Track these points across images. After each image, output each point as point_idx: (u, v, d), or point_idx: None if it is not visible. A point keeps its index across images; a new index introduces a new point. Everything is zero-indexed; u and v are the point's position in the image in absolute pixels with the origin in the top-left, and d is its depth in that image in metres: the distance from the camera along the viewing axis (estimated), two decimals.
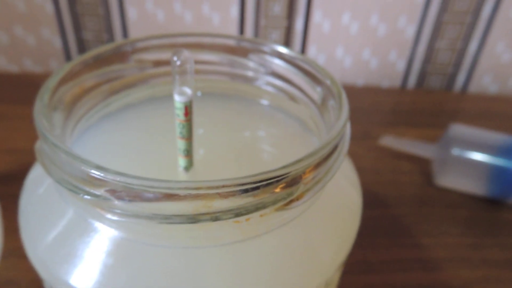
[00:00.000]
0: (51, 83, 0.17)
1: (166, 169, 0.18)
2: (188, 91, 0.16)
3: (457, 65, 0.49)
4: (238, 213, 0.14)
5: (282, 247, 0.15)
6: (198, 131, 0.20)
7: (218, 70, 0.22)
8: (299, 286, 0.15)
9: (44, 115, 0.15)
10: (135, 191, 0.13)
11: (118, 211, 0.13)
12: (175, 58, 0.15)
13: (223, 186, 0.13)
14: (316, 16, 0.46)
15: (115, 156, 0.19)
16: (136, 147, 0.20)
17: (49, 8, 0.44)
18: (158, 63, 0.21)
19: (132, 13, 0.45)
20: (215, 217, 0.13)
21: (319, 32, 0.47)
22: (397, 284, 0.26)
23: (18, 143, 0.35)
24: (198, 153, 0.19)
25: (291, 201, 0.14)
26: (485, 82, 0.50)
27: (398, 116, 0.44)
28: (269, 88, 0.22)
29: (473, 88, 0.51)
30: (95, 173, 0.13)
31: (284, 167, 0.14)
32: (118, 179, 0.13)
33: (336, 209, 0.18)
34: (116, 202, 0.13)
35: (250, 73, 0.22)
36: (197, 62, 0.22)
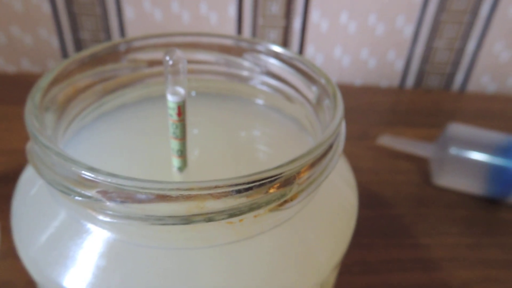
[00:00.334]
0: (42, 83, 0.17)
1: (161, 170, 0.18)
2: (181, 91, 0.16)
3: (455, 64, 0.49)
4: (232, 213, 0.13)
5: (277, 248, 0.15)
6: (193, 131, 0.20)
7: (213, 70, 0.22)
8: (294, 287, 0.15)
9: (35, 115, 0.15)
10: (127, 192, 0.13)
11: (110, 212, 0.13)
12: (167, 58, 0.15)
13: (216, 187, 0.13)
14: (314, 15, 0.46)
15: (109, 156, 0.19)
16: (130, 147, 0.20)
17: (46, 7, 0.44)
18: (152, 63, 0.21)
19: (129, 12, 0.45)
20: (208, 218, 0.13)
21: (317, 31, 0.47)
22: (395, 284, 0.26)
23: (14, 143, 0.35)
24: (193, 153, 0.19)
25: (285, 202, 0.14)
26: (483, 81, 0.50)
27: (396, 115, 0.44)
28: (264, 88, 0.22)
29: (471, 87, 0.51)
30: (86, 174, 0.13)
31: (277, 167, 0.14)
32: (109, 180, 0.13)
33: (331, 210, 0.18)
34: (108, 203, 0.13)
35: (245, 73, 0.22)
36: (191, 61, 0.22)
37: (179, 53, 0.15)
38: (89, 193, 0.13)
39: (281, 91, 0.21)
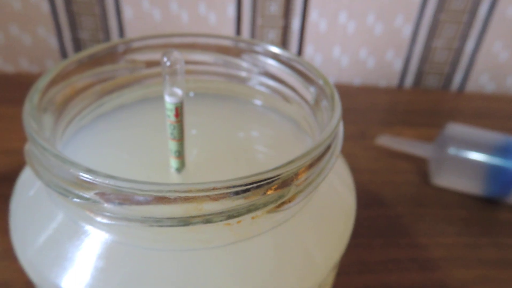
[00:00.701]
0: (40, 84, 0.17)
1: (159, 170, 0.18)
2: (179, 92, 0.16)
3: (454, 64, 0.49)
4: (230, 215, 0.13)
5: (275, 249, 0.15)
6: (191, 132, 0.20)
7: (211, 70, 0.22)
8: None
9: (33, 117, 0.15)
10: (124, 194, 0.13)
11: (108, 214, 0.13)
12: (165, 59, 0.15)
13: (214, 189, 0.13)
14: (313, 15, 0.46)
15: (108, 157, 0.19)
16: (128, 148, 0.20)
17: (45, 7, 0.44)
18: (151, 64, 0.21)
19: (128, 12, 0.45)
20: (206, 219, 0.13)
21: (316, 31, 0.47)
22: (393, 284, 0.26)
23: (13, 143, 0.35)
24: (191, 153, 0.19)
25: (283, 203, 0.14)
26: (482, 81, 0.50)
27: (395, 115, 0.44)
28: (263, 89, 0.22)
29: (470, 87, 0.51)
30: (84, 176, 0.13)
31: (275, 168, 0.14)
32: (107, 182, 0.13)
33: (329, 211, 0.18)
34: (106, 205, 0.13)
35: (243, 74, 0.22)
36: (190, 62, 0.22)
37: (176, 54, 0.15)
38: (87, 195, 0.13)
39: (279, 92, 0.21)
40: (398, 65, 0.49)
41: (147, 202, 0.13)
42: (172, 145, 0.17)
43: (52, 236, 0.15)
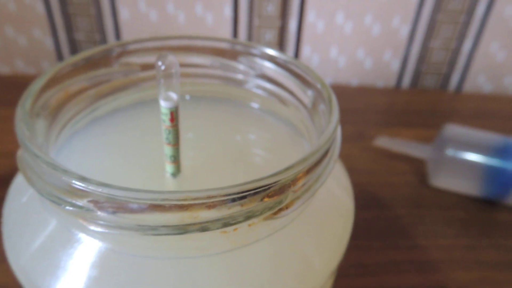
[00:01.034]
0: (33, 88, 0.16)
1: (154, 175, 0.18)
2: (174, 96, 0.16)
3: (452, 64, 0.49)
4: (226, 223, 0.13)
5: (272, 256, 0.15)
6: (188, 135, 0.20)
7: (208, 73, 0.22)
8: None
9: (25, 122, 0.15)
10: (118, 202, 0.13)
11: (102, 222, 0.13)
12: (159, 63, 0.15)
13: (209, 197, 0.12)
14: (310, 16, 0.45)
15: (102, 162, 0.19)
16: (124, 152, 0.19)
17: (40, 8, 0.44)
18: (146, 67, 0.21)
19: (124, 13, 0.45)
20: (202, 227, 0.13)
21: (313, 32, 0.46)
22: (392, 286, 0.26)
23: (9, 146, 0.35)
24: (188, 157, 0.19)
25: (280, 210, 0.14)
26: (480, 81, 0.50)
27: (393, 116, 0.44)
28: (259, 91, 0.22)
29: (468, 87, 0.50)
30: (77, 183, 0.13)
31: (272, 175, 0.13)
32: (100, 190, 0.12)
33: (327, 216, 0.17)
34: (99, 213, 0.13)
35: (240, 76, 0.22)
36: (186, 65, 0.22)
37: (171, 57, 0.15)
38: (80, 202, 0.13)
39: (276, 95, 0.21)
40: (395, 65, 0.49)
41: (141, 210, 0.13)
42: (168, 150, 0.16)
43: (45, 244, 0.15)
